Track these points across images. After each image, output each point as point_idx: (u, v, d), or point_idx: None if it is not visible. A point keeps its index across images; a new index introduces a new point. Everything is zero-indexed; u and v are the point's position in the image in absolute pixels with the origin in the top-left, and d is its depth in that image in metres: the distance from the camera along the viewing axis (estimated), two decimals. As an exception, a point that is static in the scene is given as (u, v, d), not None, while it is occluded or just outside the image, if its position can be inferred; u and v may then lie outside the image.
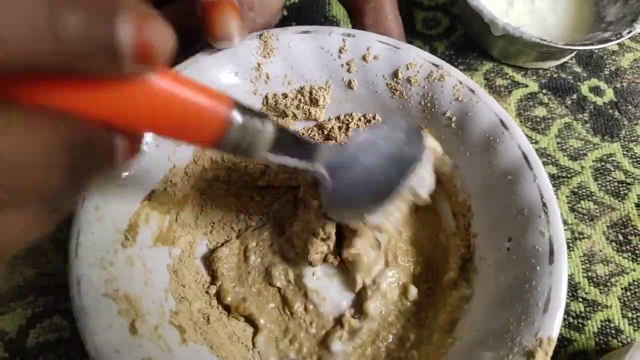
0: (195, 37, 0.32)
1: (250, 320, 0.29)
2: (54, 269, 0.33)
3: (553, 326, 0.24)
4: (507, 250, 0.28)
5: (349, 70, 0.31)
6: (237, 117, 0.18)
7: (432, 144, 0.26)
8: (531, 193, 0.27)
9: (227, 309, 0.29)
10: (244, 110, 0.19)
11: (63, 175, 0.15)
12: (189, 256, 0.30)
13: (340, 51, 0.31)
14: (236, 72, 0.30)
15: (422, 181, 0.25)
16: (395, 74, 0.31)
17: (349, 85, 0.32)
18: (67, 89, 0.15)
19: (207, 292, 0.29)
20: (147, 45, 0.14)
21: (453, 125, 0.30)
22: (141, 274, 0.26)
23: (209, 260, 0.30)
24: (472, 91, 0.30)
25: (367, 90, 0.32)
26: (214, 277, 0.30)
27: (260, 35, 0.30)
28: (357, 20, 0.33)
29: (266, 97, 0.32)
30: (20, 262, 0.33)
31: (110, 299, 0.24)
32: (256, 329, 0.29)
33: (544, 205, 0.27)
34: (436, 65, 0.30)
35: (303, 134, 0.33)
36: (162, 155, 0.29)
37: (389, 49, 0.31)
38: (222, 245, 0.31)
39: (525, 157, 0.28)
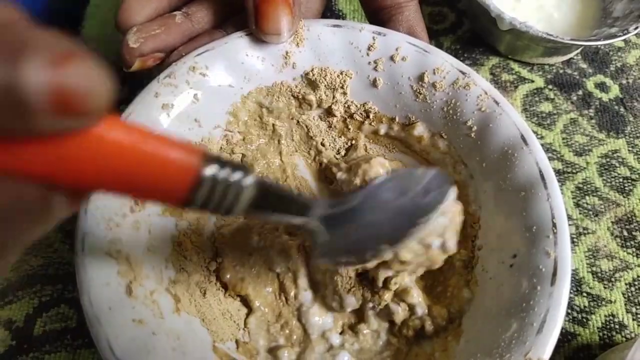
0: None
1: (245, 301, 0.30)
2: (61, 258, 0.33)
3: (545, 348, 0.24)
4: (510, 266, 0.27)
5: (375, 69, 0.31)
6: (209, 171, 0.16)
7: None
8: (543, 212, 0.27)
9: (225, 286, 0.30)
10: (217, 162, 0.16)
11: None
12: (195, 230, 0.30)
13: (369, 48, 0.31)
14: (263, 58, 0.31)
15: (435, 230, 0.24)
16: (421, 77, 0.31)
17: (374, 83, 0.32)
18: None
19: (207, 267, 0.30)
20: (67, 92, 0.11)
21: (473, 134, 0.30)
22: (145, 240, 0.27)
23: (214, 236, 0.31)
24: (497, 102, 0.29)
25: (391, 90, 0.32)
26: (216, 253, 0.30)
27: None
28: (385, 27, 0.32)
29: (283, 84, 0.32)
30: (28, 251, 0.33)
31: (112, 258, 0.25)
32: (250, 310, 0.30)
33: (554, 225, 0.26)
34: (463, 73, 0.30)
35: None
36: (183, 127, 0.29)
37: (418, 51, 0.31)
38: (229, 224, 0.31)
39: (542, 175, 0.27)
